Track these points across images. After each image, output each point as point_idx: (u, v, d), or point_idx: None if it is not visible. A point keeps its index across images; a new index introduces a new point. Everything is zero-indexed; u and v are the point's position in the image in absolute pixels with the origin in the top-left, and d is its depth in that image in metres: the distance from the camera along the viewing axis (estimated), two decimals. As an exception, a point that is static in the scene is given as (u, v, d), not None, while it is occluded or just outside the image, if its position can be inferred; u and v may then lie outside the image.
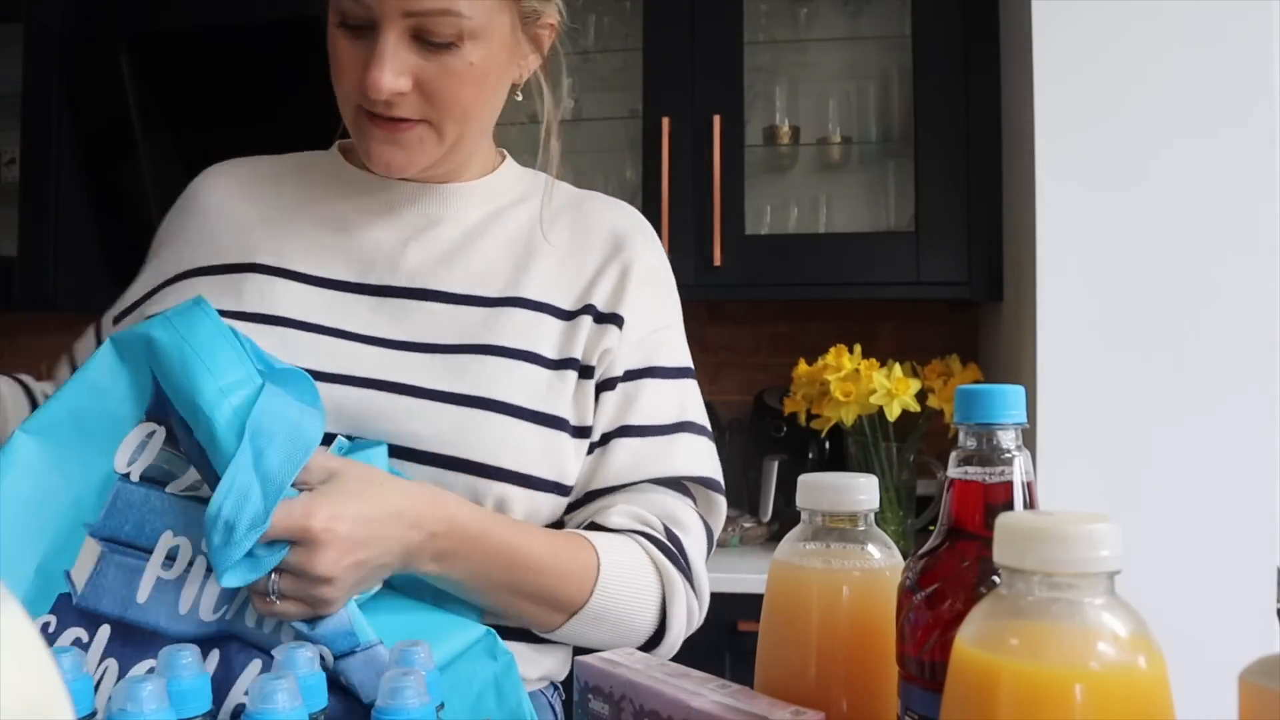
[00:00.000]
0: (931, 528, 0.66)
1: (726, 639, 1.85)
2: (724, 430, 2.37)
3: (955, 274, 2.05)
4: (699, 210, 2.12)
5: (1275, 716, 0.41)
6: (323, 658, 0.71)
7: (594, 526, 0.90)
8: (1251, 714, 0.43)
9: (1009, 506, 0.55)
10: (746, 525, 2.14)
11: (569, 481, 0.89)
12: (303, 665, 0.63)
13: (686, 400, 0.94)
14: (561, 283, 0.91)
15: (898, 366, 1.98)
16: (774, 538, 2.13)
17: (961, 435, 0.57)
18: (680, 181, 2.12)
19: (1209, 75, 1.69)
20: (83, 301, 2.52)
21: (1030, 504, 0.55)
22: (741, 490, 2.29)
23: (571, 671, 0.72)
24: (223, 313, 0.79)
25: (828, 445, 2.17)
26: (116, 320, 0.98)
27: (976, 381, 2.05)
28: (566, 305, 0.91)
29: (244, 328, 0.80)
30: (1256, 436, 1.66)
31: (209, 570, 0.73)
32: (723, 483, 0.95)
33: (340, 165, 0.97)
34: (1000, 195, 2.04)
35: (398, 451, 0.82)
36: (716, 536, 0.95)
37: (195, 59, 2.31)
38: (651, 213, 2.11)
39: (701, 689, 0.59)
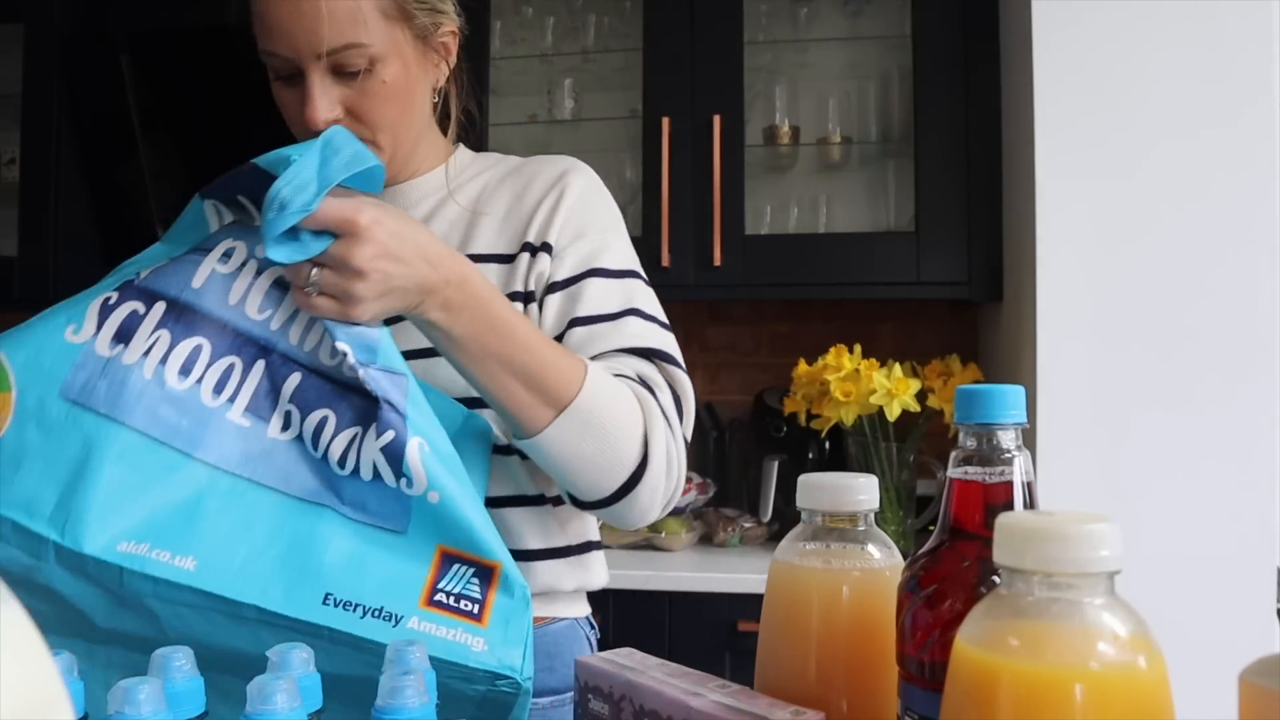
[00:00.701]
0: (931, 528, 0.66)
1: (726, 639, 1.85)
2: (724, 430, 2.37)
3: (955, 274, 2.05)
4: (699, 210, 2.12)
5: (1275, 716, 0.41)
6: (346, 355, 0.78)
7: None
8: (1251, 714, 0.42)
9: (1009, 506, 0.55)
10: (746, 525, 2.14)
11: None
12: (299, 666, 0.63)
13: (633, 295, 1.00)
14: (505, 234, 1.02)
15: (898, 366, 1.98)
16: (774, 538, 2.13)
17: (961, 435, 0.57)
18: (680, 181, 2.12)
19: (1209, 75, 1.69)
20: (83, 301, 2.53)
21: (1030, 504, 0.55)
22: (741, 490, 2.29)
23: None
24: None
25: (828, 445, 2.17)
26: None
27: (976, 381, 2.05)
28: (508, 250, 1.01)
29: None
30: (1257, 436, 1.66)
31: (259, 272, 0.81)
32: (684, 366, 0.99)
33: None
34: (1000, 195, 2.04)
35: None
36: (688, 420, 0.98)
37: (195, 59, 2.31)
38: (651, 213, 2.13)
39: (701, 689, 0.59)
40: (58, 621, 0.74)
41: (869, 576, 0.62)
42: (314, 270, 0.78)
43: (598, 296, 0.98)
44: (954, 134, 2.06)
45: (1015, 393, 0.56)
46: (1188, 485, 1.67)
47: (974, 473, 0.56)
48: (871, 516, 0.64)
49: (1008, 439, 0.56)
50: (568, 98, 2.34)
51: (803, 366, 2.06)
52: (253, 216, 0.83)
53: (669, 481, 0.93)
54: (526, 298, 0.99)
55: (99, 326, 0.79)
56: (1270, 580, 1.64)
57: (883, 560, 0.63)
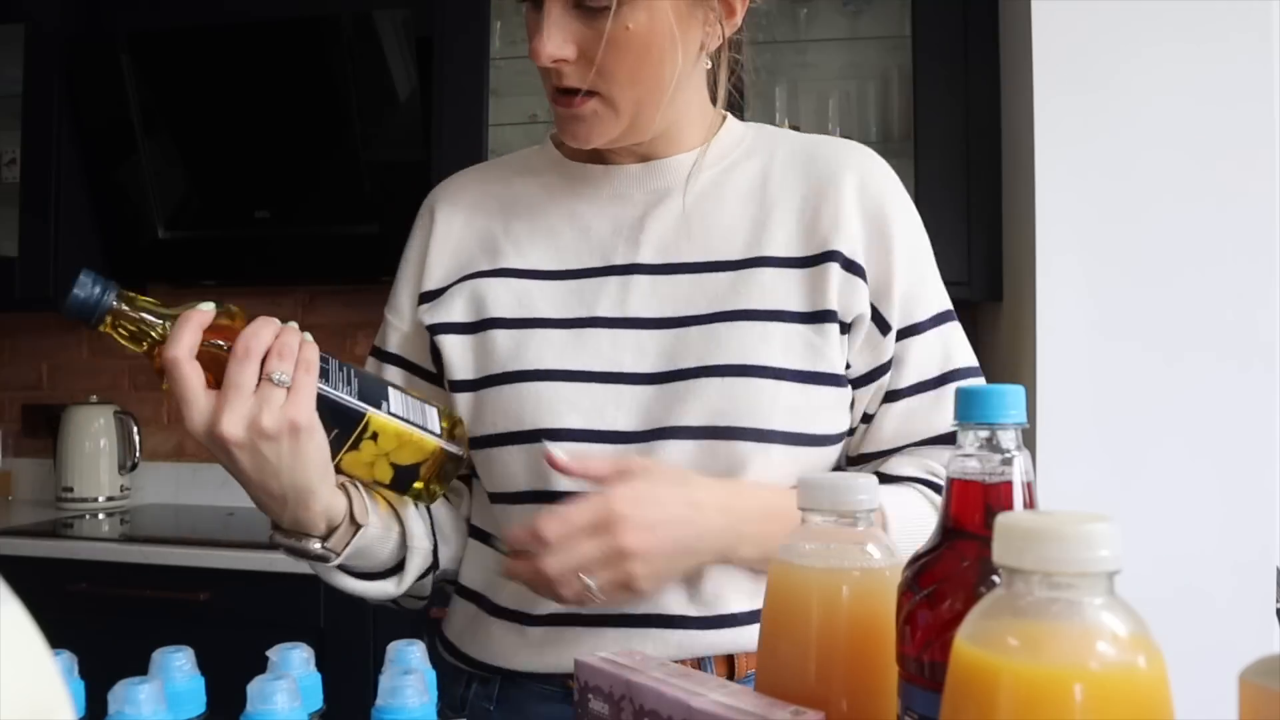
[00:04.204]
0: (931, 528, 0.66)
1: (726, 639, 1.85)
2: (724, 430, 2.37)
3: (955, 274, 2.05)
4: (699, 210, 2.12)
5: (1275, 717, 0.41)
6: None
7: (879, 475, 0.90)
8: (1251, 714, 0.42)
9: (1009, 506, 0.55)
10: (746, 525, 2.13)
11: (840, 430, 0.91)
12: (300, 666, 0.63)
13: (950, 347, 0.93)
14: (800, 232, 0.91)
15: (898, 366, 1.97)
16: (774, 538, 2.13)
17: (961, 435, 0.57)
18: (680, 181, 2.12)
19: (1209, 75, 1.69)
20: (83, 301, 2.52)
21: (1030, 504, 0.55)
22: (741, 490, 2.29)
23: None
24: (471, 323, 0.90)
25: (828, 445, 2.16)
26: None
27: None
28: (805, 253, 0.90)
29: (504, 335, 0.88)
30: (1256, 436, 1.66)
31: None
32: None
33: (562, 161, 0.98)
34: (1000, 195, 2.04)
35: (677, 432, 0.85)
36: None
37: (195, 59, 2.31)
38: (651, 213, 2.13)
39: (701, 689, 0.59)
40: None
41: (869, 576, 0.62)
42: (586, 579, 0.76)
43: (920, 360, 0.90)
44: (954, 134, 2.05)
45: (1015, 393, 0.56)
46: (1188, 485, 1.67)
47: (974, 473, 0.56)
48: (871, 516, 0.64)
49: (1008, 439, 0.56)
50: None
51: (803, 366, 2.06)
52: None
53: None
54: (825, 315, 0.88)
55: None
56: (1270, 580, 1.64)
57: (883, 560, 0.63)
